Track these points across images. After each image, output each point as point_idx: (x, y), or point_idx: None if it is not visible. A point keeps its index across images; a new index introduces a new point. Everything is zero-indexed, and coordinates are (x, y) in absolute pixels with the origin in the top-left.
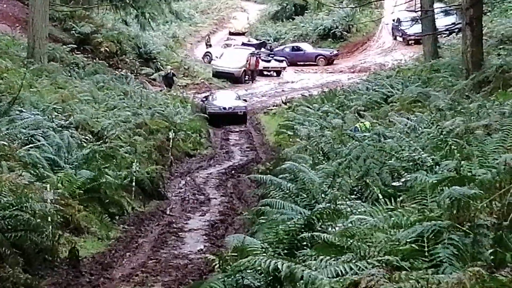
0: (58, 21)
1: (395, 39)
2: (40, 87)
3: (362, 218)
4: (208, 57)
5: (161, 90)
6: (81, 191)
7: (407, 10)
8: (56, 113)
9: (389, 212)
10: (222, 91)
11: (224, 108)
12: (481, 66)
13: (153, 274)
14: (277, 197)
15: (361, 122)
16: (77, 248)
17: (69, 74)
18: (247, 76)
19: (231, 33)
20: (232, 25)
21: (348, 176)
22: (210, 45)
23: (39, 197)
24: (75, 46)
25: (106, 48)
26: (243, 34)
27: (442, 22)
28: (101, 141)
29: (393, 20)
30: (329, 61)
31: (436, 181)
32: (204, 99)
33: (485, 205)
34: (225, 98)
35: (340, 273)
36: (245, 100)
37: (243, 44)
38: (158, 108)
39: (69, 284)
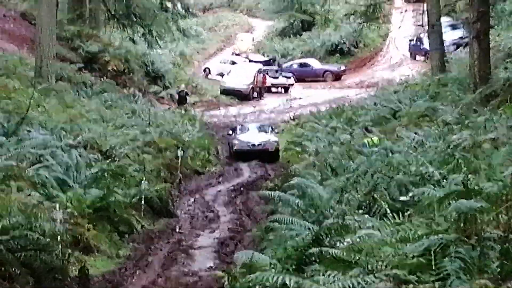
0: (65, 40)
1: (414, 58)
2: (48, 107)
3: (370, 232)
4: (206, 71)
5: (169, 108)
6: (90, 210)
7: (417, 25)
8: (64, 133)
9: (397, 227)
10: (252, 124)
11: (253, 145)
12: (489, 79)
13: None
14: (285, 213)
15: (369, 138)
16: (87, 267)
17: (77, 93)
18: (255, 93)
19: (234, 53)
20: (237, 46)
21: (356, 191)
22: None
23: (48, 217)
24: (83, 65)
25: (114, 67)
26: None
27: (449, 36)
28: (109, 160)
29: (411, 40)
30: (337, 77)
31: (443, 195)
32: (231, 132)
33: (491, 218)
34: (254, 132)
35: (348, 287)
36: (276, 132)
37: (250, 61)
38: (166, 126)
39: None
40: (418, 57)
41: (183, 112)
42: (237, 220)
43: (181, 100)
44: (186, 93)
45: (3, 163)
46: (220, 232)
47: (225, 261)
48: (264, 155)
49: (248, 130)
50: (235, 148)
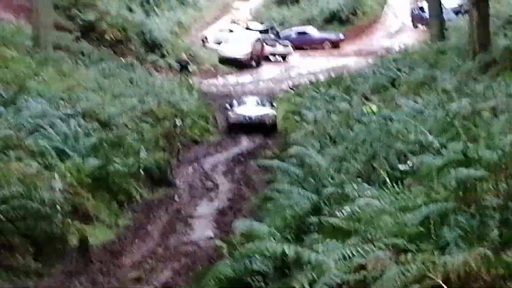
0: (62, 9)
1: (415, 27)
2: (46, 76)
3: (369, 201)
4: (204, 40)
5: (167, 77)
6: (89, 180)
7: None
8: (62, 102)
9: (396, 195)
10: (250, 97)
11: (249, 118)
12: (488, 47)
13: (162, 260)
14: (284, 183)
15: (367, 106)
16: (87, 236)
17: (75, 63)
18: (253, 62)
19: (232, 22)
20: (234, 14)
21: (355, 160)
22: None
23: (47, 186)
24: (80, 34)
25: (111, 36)
26: (236, 23)
27: (448, 3)
28: (108, 129)
29: (413, 9)
30: (335, 45)
31: (442, 163)
32: (228, 106)
33: (491, 186)
34: (251, 105)
35: (346, 256)
36: (273, 106)
37: (248, 29)
38: (164, 95)
39: (79, 271)
40: (419, 26)
41: (183, 81)
42: (236, 190)
43: (183, 69)
44: (187, 63)
45: (1, 133)
46: (219, 201)
47: (224, 230)
48: (260, 128)
49: (245, 103)
50: (231, 121)
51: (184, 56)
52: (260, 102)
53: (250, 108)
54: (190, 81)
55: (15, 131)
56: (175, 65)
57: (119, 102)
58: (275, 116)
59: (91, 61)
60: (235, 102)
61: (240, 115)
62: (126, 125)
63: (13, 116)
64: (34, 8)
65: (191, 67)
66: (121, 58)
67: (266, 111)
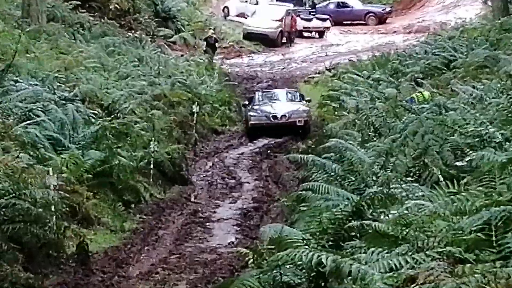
0: None
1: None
2: (39, 52)
3: (419, 203)
4: (225, 11)
5: (182, 55)
6: (90, 175)
7: None
8: (58, 83)
9: (451, 197)
10: (275, 90)
11: (275, 117)
12: None
13: (176, 271)
14: (320, 180)
15: (418, 92)
16: (87, 242)
17: (73, 37)
18: (284, 38)
19: None
20: None
21: (404, 155)
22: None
23: (40, 183)
24: (79, 2)
25: (116, 5)
26: None
27: None
28: (112, 116)
29: None
30: (381, 19)
31: (506, 159)
32: (247, 102)
33: None
34: (278, 100)
35: (394, 267)
36: (309, 101)
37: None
38: (179, 76)
39: (78, 283)
40: None
41: (205, 60)
42: (263, 188)
43: (210, 48)
44: (216, 40)
45: None
46: (243, 202)
47: (249, 236)
48: (290, 130)
49: (269, 98)
50: (251, 121)
51: (211, 32)
52: (289, 96)
53: (276, 105)
54: (215, 62)
55: (2, 117)
56: (199, 43)
57: (125, 85)
58: (308, 112)
59: (92, 36)
60: (257, 96)
61: (262, 114)
62: (133, 112)
63: (0, 99)
64: None
65: (218, 45)
66: (128, 32)
67: (296, 107)
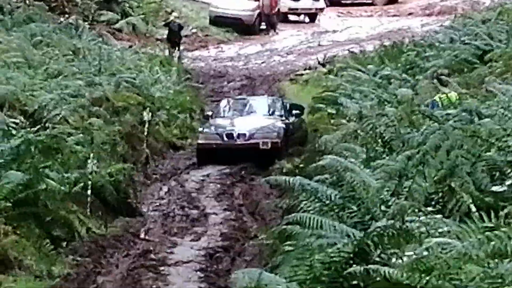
0: None
1: None
2: None
3: (444, 242)
4: None
5: (130, 46)
6: (9, 204)
7: None
8: None
9: (487, 233)
10: (252, 98)
11: (229, 137)
12: None
13: None
14: (311, 211)
15: (442, 93)
16: None
17: None
18: (263, 23)
19: None
20: None
21: (423, 177)
22: None
23: None
24: None
25: None
26: None
27: None
28: (39, 127)
29: None
30: None
31: None
32: (211, 113)
33: None
34: (243, 113)
35: None
36: (299, 114)
37: None
38: (126, 74)
39: None
40: None
41: (174, 59)
42: (235, 221)
43: (173, 38)
44: (180, 26)
45: None
46: (209, 239)
47: (216, 284)
48: (250, 156)
49: (240, 109)
50: (198, 140)
51: (174, 16)
52: (272, 107)
53: (240, 119)
54: (180, 55)
55: None
56: (153, 30)
57: (56, 85)
58: (281, 132)
59: (14, 22)
60: (222, 104)
61: (214, 130)
62: (66, 121)
63: None
64: None
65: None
66: (60, 17)
67: (265, 123)
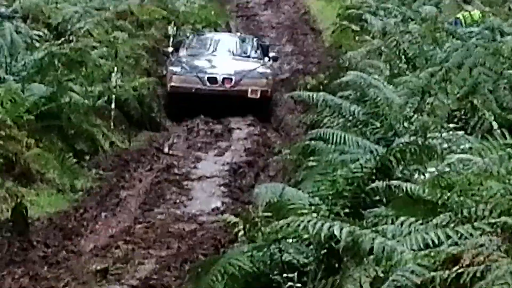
0: None
1: None
2: None
3: (466, 158)
4: None
5: None
6: (32, 117)
7: None
8: None
9: (508, 150)
10: (217, 34)
11: (212, 81)
12: None
13: (142, 245)
14: (335, 127)
15: (466, 11)
16: (26, 205)
17: None
18: None
19: None
20: None
21: (445, 94)
22: None
23: None
24: None
25: None
26: None
27: None
28: (62, 40)
29: None
30: None
31: None
32: (172, 49)
33: None
34: (221, 52)
35: (431, 243)
36: (275, 59)
37: None
38: None
39: (13, 260)
40: None
41: None
42: (259, 137)
43: None
44: None
45: None
46: (233, 154)
47: (239, 200)
48: (236, 106)
49: (207, 47)
50: (171, 82)
51: None
52: (242, 47)
53: (217, 59)
54: None
55: None
56: None
57: None
58: (270, 78)
59: None
60: (187, 41)
61: (192, 71)
62: (90, 34)
63: None
64: None
65: None
66: None
67: (250, 66)
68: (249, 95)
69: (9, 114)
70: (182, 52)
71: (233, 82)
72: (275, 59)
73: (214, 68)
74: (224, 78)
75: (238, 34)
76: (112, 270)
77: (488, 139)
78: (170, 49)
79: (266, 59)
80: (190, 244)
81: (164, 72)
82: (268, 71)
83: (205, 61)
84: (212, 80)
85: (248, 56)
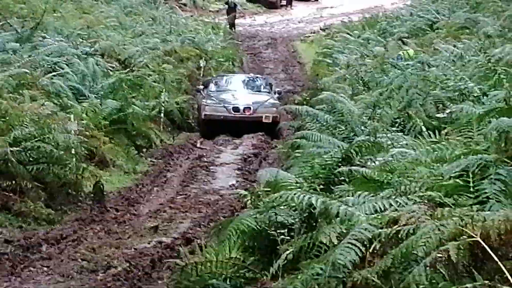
0: None
1: None
2: (64, 12)
3: (403, 151)
4: None
5: (191, 16)
6: (107, 122)
7: None
8: (81, 40)
9: (433, 145)
10: (237, 75)
11: (236, 109)
12: None
13: (181, 210)
14: (313, 129)
15: (404, 50)
16: (102, 182)
17: None
18: (283, 1)
19: None
20: None
21: (389, 107)
22: None
23: (62, 128)
24: None
25: None
26: None
27: None
28: (128, 69)
29: None
30: None
31: (483, 112)
32: (202, 86)
33: None
34: (239, 88)
35: (378, 209)
36: (279, 93)
37: None
38: (188, 34)
39: (93, 220)
40: None
41: (231, 26)
42: (262, 136)
43: (230, 12)
44: (235, 4)
45: (16, 71)
46: (244, 148)
47: (248, 179)
48: (253, 128)
49: (229, 84)
50: (205, 112)
51: None
52: (252, 84)
53: (238, 94)
54: (216, 20)
55: (30, 69)
56: (207, 5)
57: (140, 41)
58: (278, 107)
59: None
60: (211, 83)
61: (220, 103)
62: (147, 66)
63: (29, 53)
64: None
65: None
66: None
67: (263, 98)
68: (263, 120)
69: (92, 120)
70: (211, 88)
71: (251, 110)
72: (279, 93)
73: (237, 100)
74: (244, 108)
75: (251, 74)
76: (161, 227)
77: (419, 138)
78: (201, 86)
79: (273, 92)
80: (214, 209)
81: (196, 103)
82: (277, 102)
83: (229, 95)
84: (236, 109)
85: (260, 91)
